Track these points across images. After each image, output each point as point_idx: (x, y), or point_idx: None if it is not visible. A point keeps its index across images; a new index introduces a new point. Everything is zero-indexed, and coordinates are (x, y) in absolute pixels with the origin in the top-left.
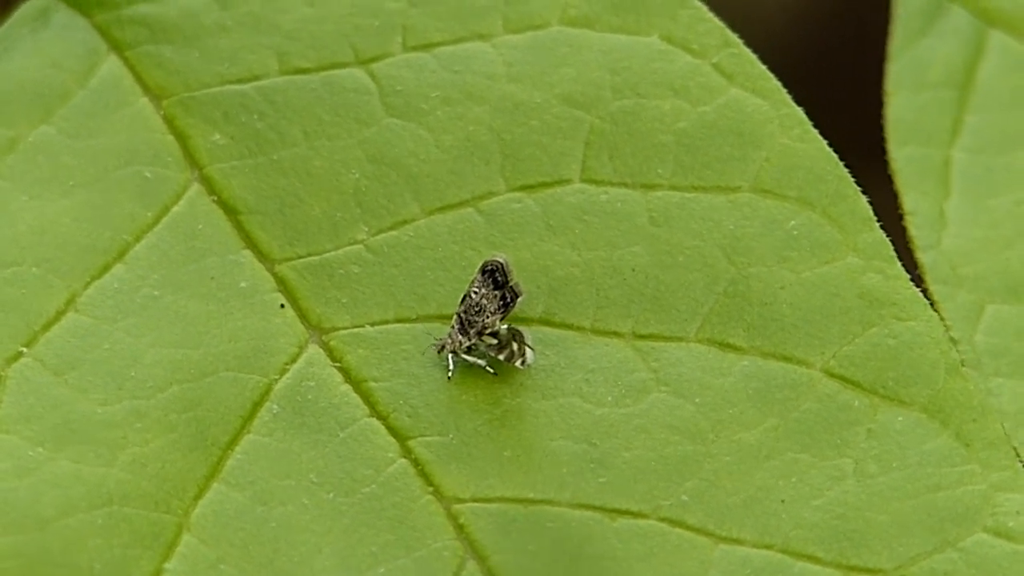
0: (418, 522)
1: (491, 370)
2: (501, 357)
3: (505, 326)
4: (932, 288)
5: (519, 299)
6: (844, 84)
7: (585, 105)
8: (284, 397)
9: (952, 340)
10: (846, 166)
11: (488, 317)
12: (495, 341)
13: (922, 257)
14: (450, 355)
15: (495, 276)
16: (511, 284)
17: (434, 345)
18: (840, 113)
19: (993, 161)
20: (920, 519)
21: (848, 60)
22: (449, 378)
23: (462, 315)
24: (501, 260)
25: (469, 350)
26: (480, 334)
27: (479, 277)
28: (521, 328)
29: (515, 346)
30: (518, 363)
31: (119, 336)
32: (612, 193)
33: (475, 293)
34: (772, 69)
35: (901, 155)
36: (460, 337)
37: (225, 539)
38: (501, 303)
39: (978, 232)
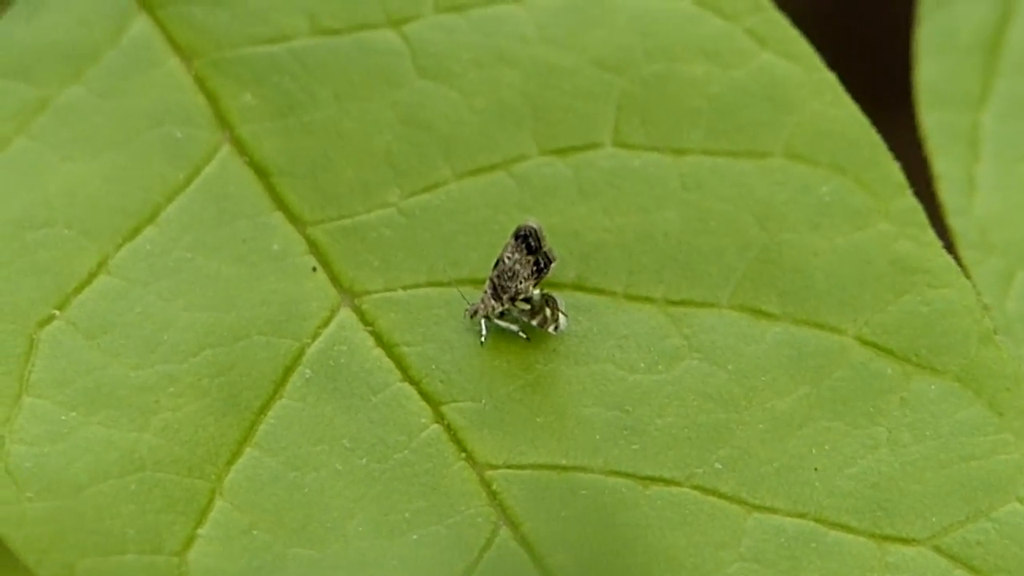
0: (451, 488)
1: (524, 335)
2: (534, 323)
3: (538, 291)
4: (963, 254)
5: (552, 265)
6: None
7: (617, 69)
8: (316, 361)
9: (984, 307)
10: (877, 131)
11: (521, 282)
12: (528, 306)
13: (953, 222)
14: (483, 320)
15: (528, 241)
16: (544, 249)
17: (467, 310)
18: (871, 77)
19: (1022, 125)
20: (953, 489)
21: (877, 24)
22: (482, 343)
23: (495, 280)
24: (534, 225)
25: (502, 315)
26: (513, 299)
27: (512, 242)
28: (554, 294)
29: (548, 312)
30: (551, 329)
31: (151, 299)
32: (644, 158)
33: (508, 258)
34: (802, 33)
35: (931, 119)
36: (493, 302)
37: (258, 505)
38: (534, 268)
39: (1008, 197)
